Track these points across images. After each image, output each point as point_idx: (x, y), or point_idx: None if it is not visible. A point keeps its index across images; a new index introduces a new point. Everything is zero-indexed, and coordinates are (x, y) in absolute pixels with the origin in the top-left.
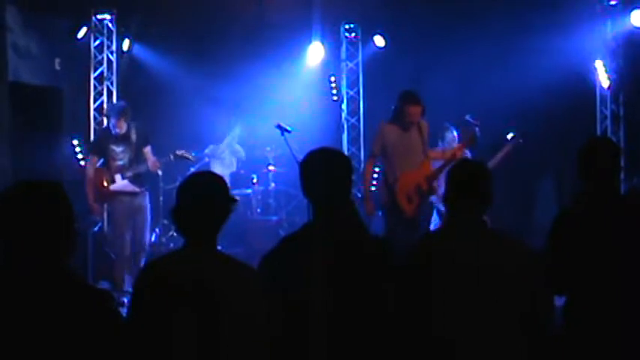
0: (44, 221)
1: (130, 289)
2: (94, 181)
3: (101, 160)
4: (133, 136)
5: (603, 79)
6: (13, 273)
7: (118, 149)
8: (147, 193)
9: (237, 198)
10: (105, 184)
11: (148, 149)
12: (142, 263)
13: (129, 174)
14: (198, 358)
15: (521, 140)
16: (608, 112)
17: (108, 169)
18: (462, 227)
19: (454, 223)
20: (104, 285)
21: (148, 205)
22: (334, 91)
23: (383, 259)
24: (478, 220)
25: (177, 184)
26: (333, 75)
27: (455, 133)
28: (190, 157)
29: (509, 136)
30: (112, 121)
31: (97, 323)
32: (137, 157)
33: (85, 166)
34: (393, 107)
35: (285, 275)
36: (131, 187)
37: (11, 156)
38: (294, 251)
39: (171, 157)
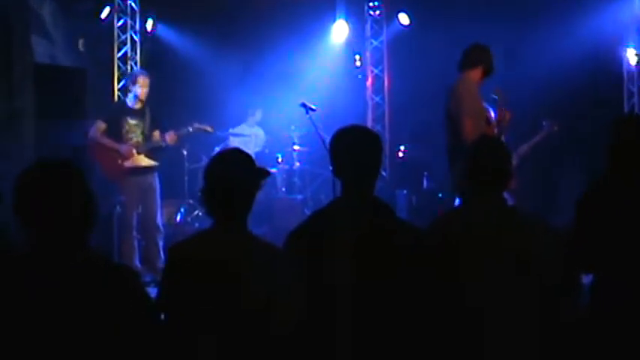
0: (62, 200)
1: (138, 266)
2: (107, 157)
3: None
4: (147, 115)
5: (632, 57)
6: (37, 254)
7: (133, 122)
8: (156, 174)
9: (269, 171)
10: (120, 161)
11: (156, 133)
12: (160, 244)
13: (144, 149)
14: (223, 339)
15: (556, 128)
16: (635, 90)
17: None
18: (483, 206)
19: (474, 202)
20: None
21: (158, 185)
22: (358, 63)
23: (410, 239)
24: (498, 199)
25: (202, 163)
26: (358, 53)
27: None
28: (208, 128)
29: (544, 123)
30: (141, 79)
31: (124, 301)
32: (149, 136)
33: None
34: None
35: (312, 251)
36: (147, 162)
37: (35, 136)
38: (322, 227)
39: (190, 129)
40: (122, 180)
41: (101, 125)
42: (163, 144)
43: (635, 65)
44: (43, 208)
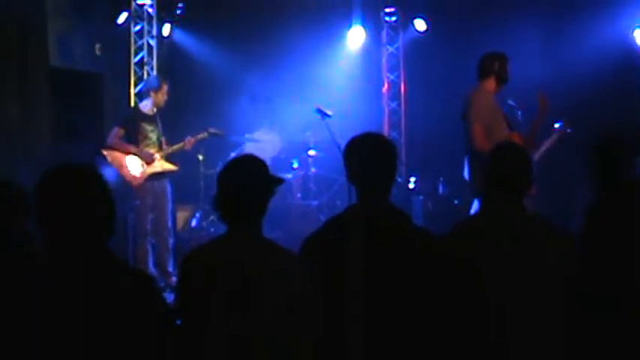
0: (82, 204)
1: (153, 270)
2: (125, 161)
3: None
4: (159, 120)
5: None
6: (57, 257)
7: (149, 127)
8: (169, 178)
9: (284, 178)
10: (140, 166)
11: (163, 139)
12: (171, 246)
13: (164, 154)
14: (241, 346)
15: (569, 130)
16: None
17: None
18: (503, 214)
19: (494, 209)
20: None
21: (170, 188)
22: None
23: (426, 246)
24: (518, 206)
25: (218, 169)
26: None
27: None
28: (220, 132)
29: (557, 125)
30: (166, 88)
31: (142, 305)
32: (161, 142)
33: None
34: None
35: (328, 258)
36: (168, 167)
37: (52, 141)
38: (338, 234)
39: (206, 134)
40: (140, 185)
41: (120, 131)
42: (187, 148)
43: None
44: (63, 211)
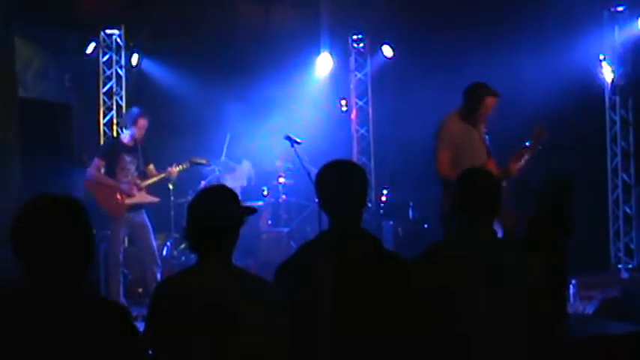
0: (63, 236)
1: (124, 301)
2: (106, 194)
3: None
4: (140, 150)
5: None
6: (34, 290)
7: (128, 158)
8: (145, 209)
9: (256, 208)
10: (120, 198)
11: (151, 166)
12: (159, 277)
13: (144, 185)
14: None
15: (540, 146)
16: (617, 118)
17: (119, 182)
18: (472, 238)
19: (463, 233)
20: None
21: (147, 219)
22: (344, 108)
23: (397, 271)
24: (487, 231)
25: (189, 198)
26: (344, 98)
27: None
28: (204, 161)
29: (527, 144)
30: (141, 122)
31: (117, 337)
32: (144, 171)
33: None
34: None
35: (301, 284)
36: (149, 199)
37: (20, 172)
38: (310, 260)
39: (188, 163)
40: (119, 216)
41: (100, 163)
42: (168, 178)
43: (611, 83)
44: (43, 244)
